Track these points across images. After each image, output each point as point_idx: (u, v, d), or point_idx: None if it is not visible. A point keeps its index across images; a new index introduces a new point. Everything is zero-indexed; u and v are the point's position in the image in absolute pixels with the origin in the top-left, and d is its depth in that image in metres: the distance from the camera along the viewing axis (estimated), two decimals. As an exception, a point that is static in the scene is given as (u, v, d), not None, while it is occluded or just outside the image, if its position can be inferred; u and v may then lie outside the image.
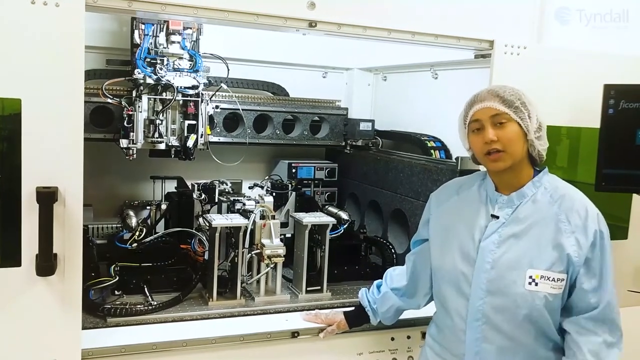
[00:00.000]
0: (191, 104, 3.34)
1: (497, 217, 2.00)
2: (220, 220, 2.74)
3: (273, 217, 2.85)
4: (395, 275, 2.46)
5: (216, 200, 3.27)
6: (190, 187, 3.29)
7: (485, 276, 1.99)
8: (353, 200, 4.07)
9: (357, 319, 2.50)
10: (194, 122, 3.34)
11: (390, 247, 3.31)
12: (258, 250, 2.79)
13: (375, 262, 3.31)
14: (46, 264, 2.00)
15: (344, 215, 3.32)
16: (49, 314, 2.10)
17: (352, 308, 2.60)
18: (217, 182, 3.27)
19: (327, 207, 3.49)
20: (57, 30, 2.02)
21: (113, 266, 2.78)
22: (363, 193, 3.92)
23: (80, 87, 2.09)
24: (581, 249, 1.89)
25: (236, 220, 2.78)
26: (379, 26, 2.50)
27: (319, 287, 2.94)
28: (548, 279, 1.89)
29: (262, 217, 2.84)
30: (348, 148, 3.99)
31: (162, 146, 3.32)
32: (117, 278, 2.73)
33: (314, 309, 2.77)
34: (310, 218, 2.90)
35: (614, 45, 3.18)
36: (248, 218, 2.79)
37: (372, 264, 3.29)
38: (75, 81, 2.07)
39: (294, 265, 3.01)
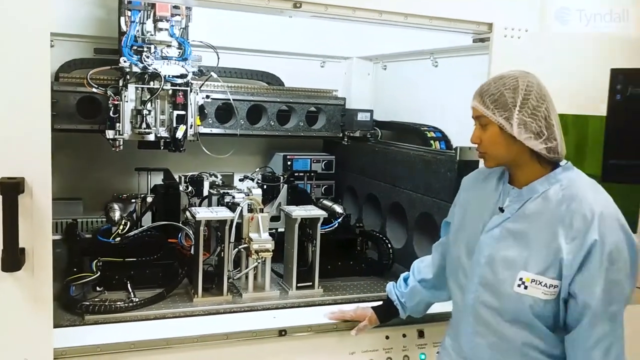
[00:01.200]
0: (180, 93, 3.23)
1: (503, 211, 1.88)
2: (204, 213, 2.62)
3: (261, 210, 2.73)
4: (423, 267, 2.37)
5: (206, 193, 3.15)
6: (178, 179, 3.16)
7: (479, 271, 1.90)
8: (351, 194, 3.94)
9: (387, 314, 2.42)
10: (183, 112, 3.23)
11: (387, 242, 3.18)
12: (246, 245, 2.66)
13: (372, 257, 3.15)
14: (11, 259, 1.88)
15: (338, 209, 3.18)
16: (17, 311, 1.99)
17: (380, 303, 2.48)
18: (206, 174, 3.14)
19: (321, 200, 3.36)
20: (20, 11, 1.90)
21: (95, 261, 2.67)
22: (361, 186, 3.79)
23: (45, 71, 1.96)
24: (574, 258, 1.71)
25: (221, 213, 2.66)
26: (369, 7, 2.36)
27: (310, 283, 2.82)
28: (539, 283, 1.75)
29: (250, 210, 2.71)
30: (346, 139, 3.86)
31: (151, 137, 3.21)
32: (99, 273, 2.62)
33: (304, 306, 2.65)
34: (300, 211, 2.77)
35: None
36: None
37: (368, 259, 3.16)
38: (40, 65, 1.95)
39: (285, 260, 2.89)
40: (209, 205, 3.17)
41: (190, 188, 3.04)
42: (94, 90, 3.10)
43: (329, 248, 2.94)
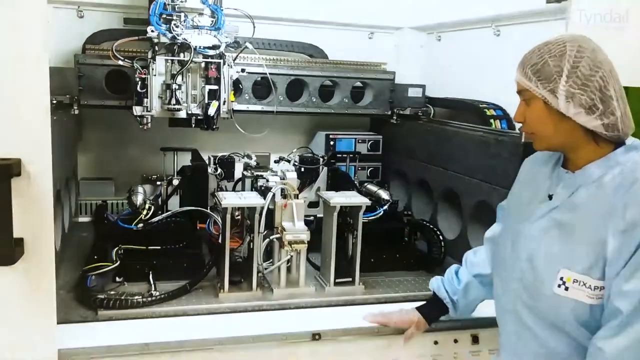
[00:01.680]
0: (212, 66, 2.95)
1: (552, 199, 1.66)
2: (231, 199, 2.34)
3: (297, 197, 2.43)
4: (479, 261, 2.10)
5: (239, 176, 2.88)
6: (207, 160, 2.90)
7: (519, 266, 1.69)
8: (399, 178, 3.60)
9: (436, 314, 2.16)
10: (215, 87, 2.95)
11: (438, 232, 2.83)
12: (278, 235, 2.38)
13: (421, 249, 2.81)
14: (5, 251, 1.65)
15: (384, 195, 2.86)
16: (14, 309, 1.77)
17: (424, 303, 2.21)
18: (239, 155, 2.86)
19: (366, 184, 3.04)
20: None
21: (116, 249, 2.44)
22: (411, 169, 3.45)
23: (42, 42, 1.70)
24: (620, 255, 1.45)
25: (251, 199, 2.37)
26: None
27: (350, 279, 2.51)
28: (584, 284, 1.52)
29: (284, 196, 2.42)
30: (395, 118, 3.55)
31: (182, 114, 2.96)
32: (118, 263, 2.39)
33: (342, 305, 2.35)
34: (339, 198, 2.46)
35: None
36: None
37: (416, 252, 2.84)
38: (36, 35, 1.69)
39: (322, 252, 2.59)
40: (243, 189, 2.90)
41: (219, 170, 2.77)
42: (120, 62, 2.87)
43: (373, 239, 2.63)
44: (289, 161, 2.97)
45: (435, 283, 2.17)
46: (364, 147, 3.59)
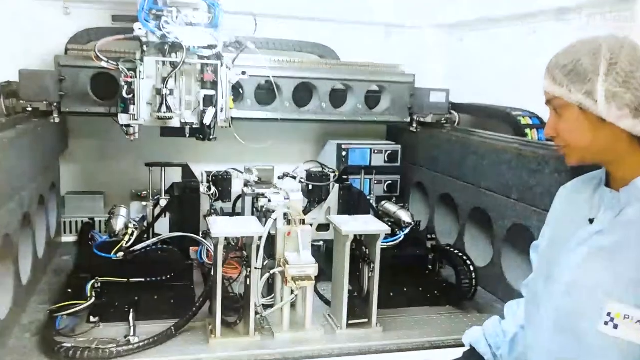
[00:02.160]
0: (208, 68, 2.60)
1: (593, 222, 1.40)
2: (223, 227, 1.97)
3: (302, 222, 2.06)
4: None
5: (238, 194, 2.51)
6: (200, 176, 2.53)
7: (555, 303, 1.40)
8: (420, 193, 3.24)
9: None
10: (212, 92, 2.60)
11: (467, 260, 2.44)
12: (281, 268, 2.01)
13: (448, 279, 2.45)
14: None
15: (405, 217, 2.51)
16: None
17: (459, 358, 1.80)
18: (237, 170, 2.50)
19: (384, 204, 2.68)
20: None
21: (92, 282, 2.09)
22: (433, 184, 3.08)
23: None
24: None
25: (246, 227, 2.00)
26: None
27: (366, 320, 2.13)
28: (638, 321, 1.23)
29: (288, 221, 2.05)
30: (414, 126, 3.25)
31: (175, 123, 2.61)
32: (93, 300, 2.03)
33: (356, 354, 1.97)
34: (353, 225, 2.09)
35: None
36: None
37: (442, 283, 2.46)
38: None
39: (333, 286, 2.22)
40: (243, 208, 2.53)
41: (213, 189, 2.40)
42: (104, 64, 2.51)
43: (391, 268, 2.28)
44: (294, 177, 2.60)
45: (473, 336, 1.77)
46: (380, 158, 3.26)
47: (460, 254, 2.49)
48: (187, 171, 2.52)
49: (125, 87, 2.53)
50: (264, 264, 2.09)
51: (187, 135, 2.68)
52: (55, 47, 2.95)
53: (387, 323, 2.20)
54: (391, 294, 2.34)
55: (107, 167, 3.29)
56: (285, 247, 2.03)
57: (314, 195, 2.61)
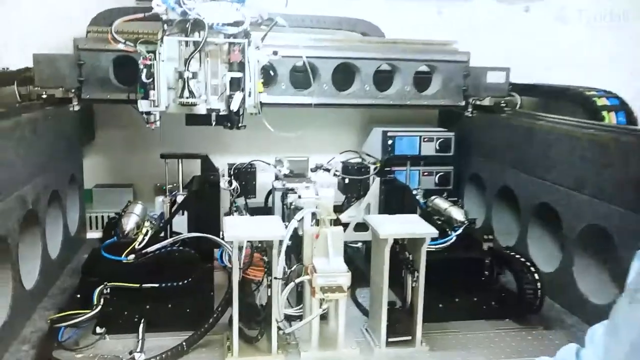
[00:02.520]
0: (235, 48, 2.33)
1: None
2: (237, 228, 1.68)
3: (335, 222, 1.76)
4: None
5: (266, 188, 2.24)
6: (223, 169, 2.27)
7: None
8: (476, 187, 2.91)
9: None
10: (239, 74, 2.32)
11: (531, 265, 2.08)
12: (308, 276, 1.71)
13: (509, 287, 2.15)
14: None
15: (457, 215, 2.19)
16: None
17: None
18: (262, 162, 2.22)
19: (433, 199, 2.35)
20: None
21: (100, 288, 1.86)
22: (491, 176, 2.74)
23: None
24: None
25: (265, 229, 1.70)
26: None
27: (409, 338, 1.82)
28: None
29: (318, 221, 1.75)
30: (470, 110, 2.95)
31: (201, 109, 2.37)
32: (99, 308, 1.80)
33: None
34: (393, 226, 1.77)
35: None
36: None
37: (501, 292, 2.12)
38: None
39: (370, 297, 1.91)
40: (272, 204, 2.26)
41: (234, 184, 2.13)
42: (120, 47, 2.29)
43: (442, 274, 1.95)
44: (328, 170, 2.29)
45: None
46: (430, 147, 2.95)
47: (522, 258, 2.13)
48: (206, 163, 2.26)
49: (145, 70, 2.30)
50: (293, 268, 1.81)
51: (214, 123, 2.43)
52: (80, 31, 2.75)
53: (435, 341, 1.90)
54: (440, 305, 2.02)
55: (137, 158, 3.11)
56: (314, 252, 1.74)
57: (351, 190, 2.30)
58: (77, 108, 2.63)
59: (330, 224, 1.76)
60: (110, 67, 2.64)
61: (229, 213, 2.10)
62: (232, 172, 2.19)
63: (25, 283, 1.93)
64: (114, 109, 2.88)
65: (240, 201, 2.22)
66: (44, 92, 2.49)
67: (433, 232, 1.75)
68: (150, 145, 3.00)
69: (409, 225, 1.81)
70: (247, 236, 1.66)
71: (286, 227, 1.73)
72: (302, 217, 1.73)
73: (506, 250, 2.27)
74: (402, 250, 1.84)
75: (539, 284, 2.05)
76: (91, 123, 3.01)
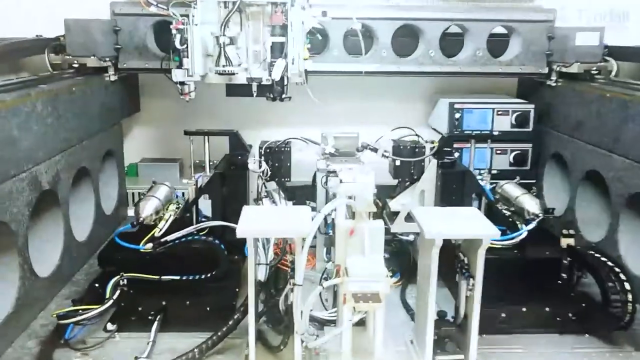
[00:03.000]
0: (277, 9, 2.07)
1: None
2: (253, 222, 1.42)
3: (375, 215, 1.46)
4: None
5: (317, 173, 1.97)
6: (256, 149, 2.01)
7: None
8: (557, 169, 2.52)
9: None
10: (282, 38, 2.07)
11: (619, 271, 1.69)
12: (339, 279, 1.44)
13: (588, 293, 1.78)
14: None
15: (530, 206, 1.86)
16: None
17: None
18: (304, 140, 1.95)
19: (503, 185, 2.00)
20: None
21: (114, 279, 1.68)
22: (576, 157, 2.35)
23: None
24: None
25: (286, 224, 1.43)
26: None
27: (461, 356, 1.51)
28: None
29: (353, 214, 1.47)
30: (554, 78, 2.55)
31: (242, 78, 2.14)
32: (111, 302, 1.63)
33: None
34: (444, 223, 1.45)
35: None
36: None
37: (581, 301, 1.77)
38: None
39: (416, 308, 1.61)
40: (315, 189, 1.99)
41: (263, 166, 1.87)
42: (153, 10, 2.10)
43: (508, 276, 1.62)
44: (374, 150, 1.97)
45: None
46: (506, 121, 2.58)
47: (610, 261, 1.75)
48: (235, 141, 2.00)
49: (178, 35, 2.08)
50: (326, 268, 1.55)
51: (255, 94, 2.19)
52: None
53: (494, 357, 1.56)
54: (503, 315, 1.69)
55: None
56: (347, 251, 1.45)
57: (403, 173, 1.98)
58: (113, 78, 2.47)
59: (369, 218, 1.47)
60: (149, 33, 2.45)
61: (258, 199, 1.85)
62: (262, 152, 1.94)
63: (41, 270, 1.79)
64: (161, 78, 2.69)
65: (273, 185, 1.96)
66: (75, 61, 2.33)
67: (493, 232, 1.42)
68: (199, 118, 2.82)
69: (464, 223, 1.48)
70: (261, 232, 1.40)
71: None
72: (329, 212, 1.44)
73: (591, 248, 1.88)
74: (456, 251, 1.53)
75: (629, 295, 1.67)
76: (136, 93, 2.85)
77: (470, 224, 1.48)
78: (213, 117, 2.70)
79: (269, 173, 1.92)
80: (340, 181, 1.71)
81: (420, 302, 1.57)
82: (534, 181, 2.53)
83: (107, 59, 2.39)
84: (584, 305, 1.75)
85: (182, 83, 2.17)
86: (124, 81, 2.56)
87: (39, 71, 2.35)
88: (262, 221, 1.44)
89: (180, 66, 2.12)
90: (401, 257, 2.06)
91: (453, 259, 1.56)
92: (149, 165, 2.91)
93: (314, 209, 1.88)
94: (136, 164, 2.89)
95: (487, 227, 1.44)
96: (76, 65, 2.32)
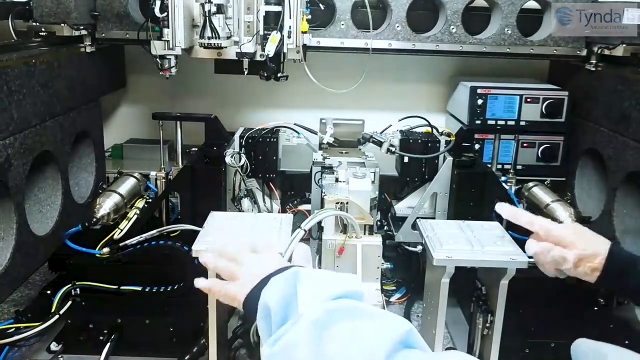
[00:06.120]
0: (270, -27, 1.81)
1: None
2: (214, 234, 1.14)
3: (371, 229, 1.18)
4: None
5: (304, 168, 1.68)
6: (238, 138, 1.71)
7: None
8: (594, 167, 2.18)
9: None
10: (277, 7, 1.79)
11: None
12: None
13: (632, 321, 1.44)
14: None
15: (562, 215, 1.51)
16: None
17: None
18: (300, 127, 1.65)
19: (531, 187, 1.69)
20: None
21: (65, 288, 1.42)
22: (618, 154, 2.01)
23: None
24: None
25: (257, 239, 1.14)
26: None
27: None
28: None
29: (344, 227, 1.18)
30: (594, 62, 2.17)
31: (231, 54, 1.91)
32: (53, 319, 1.38)
33: None
34: (457, 243, 1.15)
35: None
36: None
37: (625, 332, 1.45)
38: None
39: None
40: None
41: (243, 159, 1.57)
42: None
43: (530, 303, 1.32)
44: (379, 144, 1.65)
45: None
46: (535, 110, 2.23)
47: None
48: (213, 128, 1.70)
49: (158, 2, 1.81)
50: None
51: (246, 72, 1.91)
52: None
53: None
54: (526, 351, 1.39)
55: (177, 109, 2.62)
56: (338, 270, 1.17)
57: (411, 172, 1.67)
58: (90, 50, 2.18)
59: (365, 233, 1.19)
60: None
61: (235, 199, 1.56)
62: (243, 143, 1.64)
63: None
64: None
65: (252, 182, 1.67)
66: (41, 29, 2.04)
67: (521, 260, 1.12)
68: (193, 97, 2.55)
69: (484, 244, 1.18)
70: (219, 249, 1.12)
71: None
72: (309, 228, 1.14)
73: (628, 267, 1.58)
74: (472, 276, 1.24)
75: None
76: (121, 67, 2.56)
77: (492, 247, 1.17)
78: (209, 96, 2.43)
79: (250, 168, 1.63)
80: (336, 180, 1.43)
81: (425, 336, 1.29)
82: (563, 179, 2.21)
83: (82, 27, 2.10)
84: (627, 342, 1.45)
85: (162, 57, 1.90)
86: (104, 53, 2.27)
87: (2, 39, 2.07)
88: (224, 234, 1.16)
89: (160, 37, 1.86)
90: (407, 266, 1.77)
91: (468, 272, 1.27)
92: (135, 147, 2.63)
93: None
94: (121, 145, 2.61)
95: (514, 253, 1.14)
96: (44, 34, 2.04)
